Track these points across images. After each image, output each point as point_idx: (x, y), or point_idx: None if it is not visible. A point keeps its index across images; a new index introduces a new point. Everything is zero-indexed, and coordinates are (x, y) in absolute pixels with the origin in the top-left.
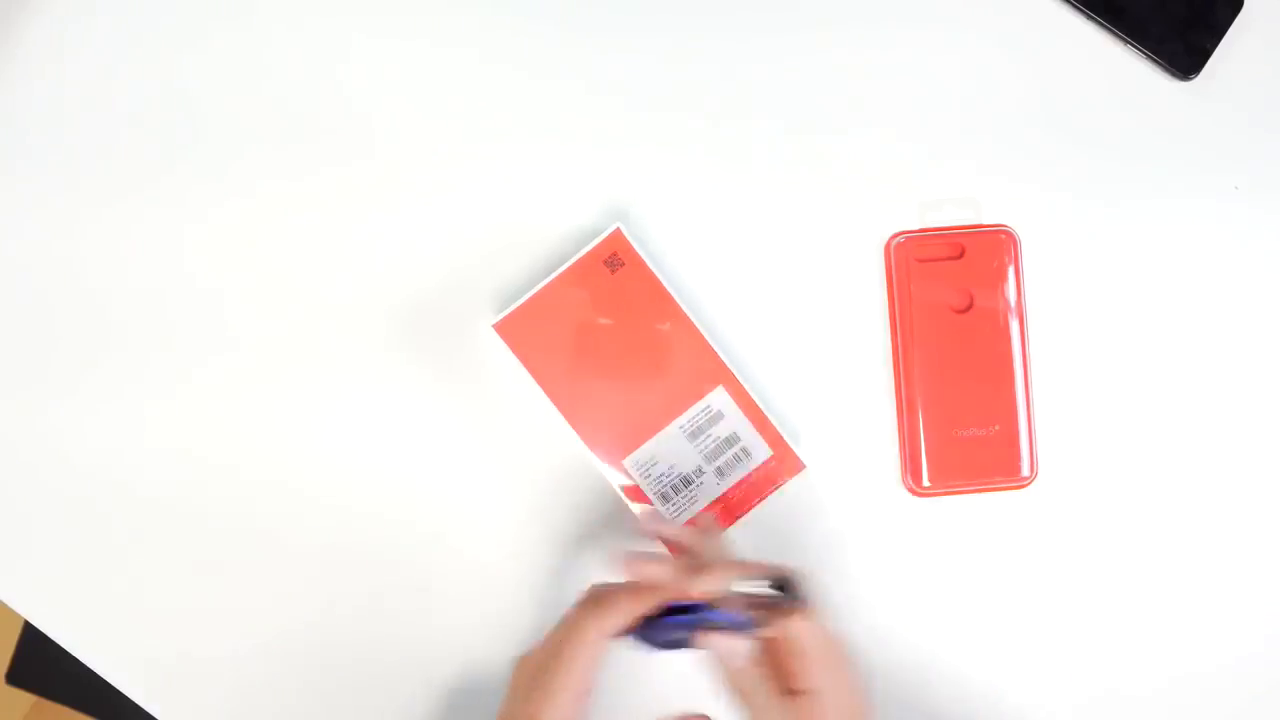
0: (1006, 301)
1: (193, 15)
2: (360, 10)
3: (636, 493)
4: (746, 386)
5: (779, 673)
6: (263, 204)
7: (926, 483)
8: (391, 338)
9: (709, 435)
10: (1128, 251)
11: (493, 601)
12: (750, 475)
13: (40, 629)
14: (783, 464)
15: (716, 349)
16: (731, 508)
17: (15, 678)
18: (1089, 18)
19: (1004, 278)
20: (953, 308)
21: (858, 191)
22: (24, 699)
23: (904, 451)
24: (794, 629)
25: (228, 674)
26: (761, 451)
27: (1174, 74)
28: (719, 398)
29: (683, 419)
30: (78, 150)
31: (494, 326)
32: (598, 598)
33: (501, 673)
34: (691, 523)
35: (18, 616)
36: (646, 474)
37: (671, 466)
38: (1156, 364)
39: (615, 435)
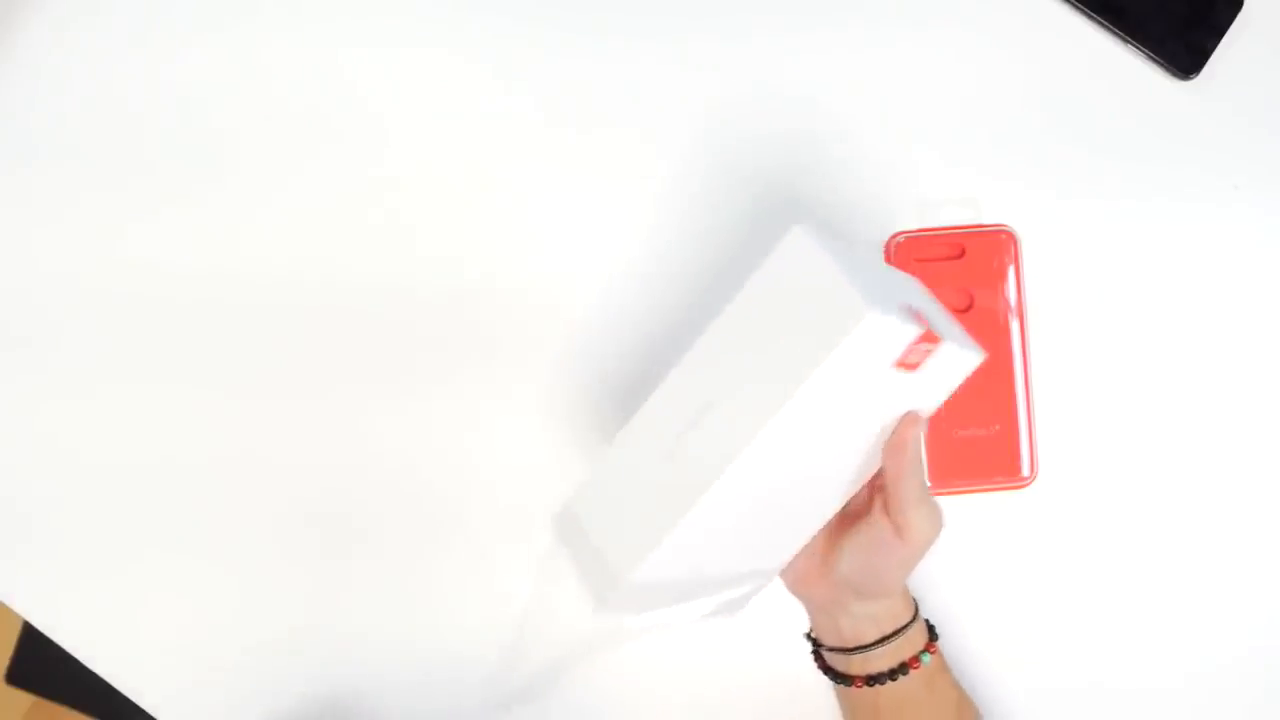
0: (1006, 301)
1: (191, 20)
2: (364, 11)
3: None
4: None
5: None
6: (269, 206)
7: (926, 483)
8: (406, 343)
9: None
10: (1128, 251)
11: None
12: None
13: (40, 629)
14: None
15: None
16: None
17: (15, 678)
18: (1089, 17)
19: (1004, 278)
20: (953, 308)
21: (858, 191)
22: (24, 699)
23: None
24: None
25: (228, 674)
26: None
27: (1174, 74)
28: None
29: None
30: (79, 149)
31: None
32: None
33: None
34: None
35: (18, 616)
36: None
37: None
38: (1156, 364)
39: None
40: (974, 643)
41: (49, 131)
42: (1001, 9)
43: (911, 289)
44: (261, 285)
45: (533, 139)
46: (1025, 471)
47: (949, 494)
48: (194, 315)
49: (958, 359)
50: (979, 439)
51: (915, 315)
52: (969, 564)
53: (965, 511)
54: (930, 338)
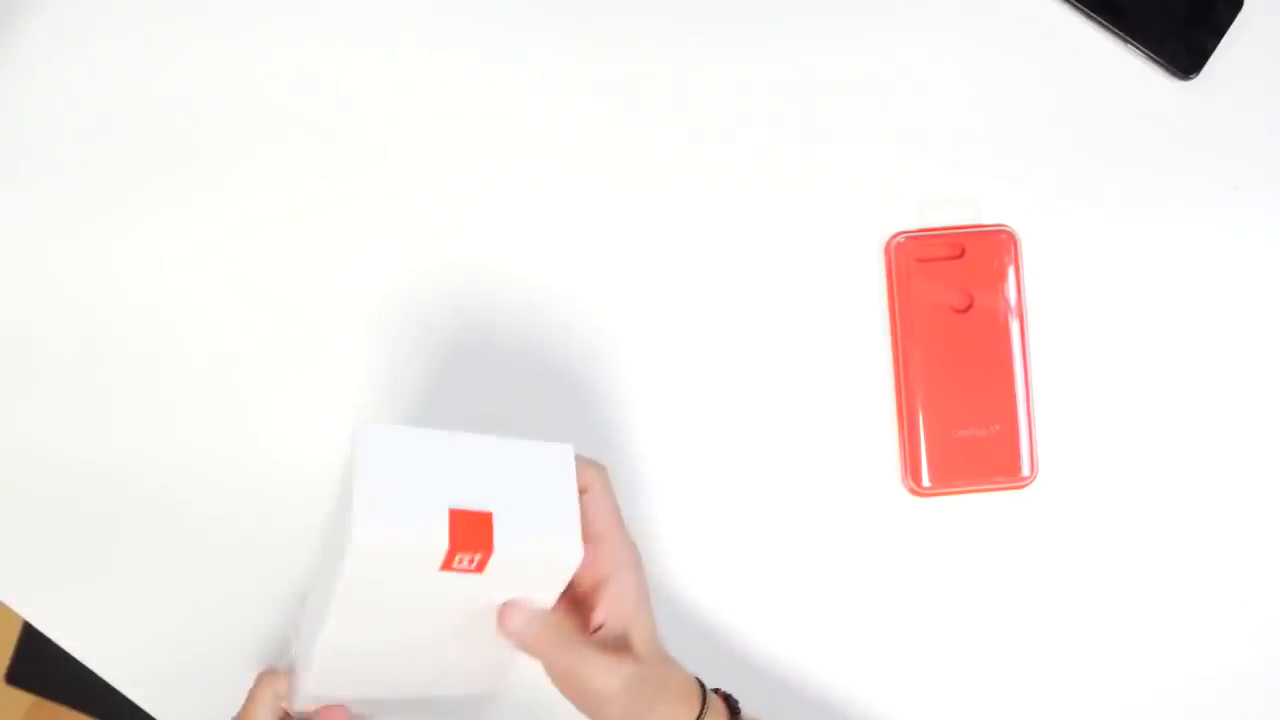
0: (1006, 301)
1: (191, 23)
2: (364, 15)
3: None
4: None
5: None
6: (261, 215)
7: (926, 483)
8: (395, 357)
9: None
10: (1128, 251)
11: None
12: None
13: (40, 629)
14: None
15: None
16: None
17: (15, 678)
18: (1089, 17)
19: (1004, 278)
20: (953, 308)
21: (858, 192)
22: (23, 699)
23: (904, 451)
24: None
25: (228, 674)
26: None
27: (1174, 74)
28: None
29: None
30: (71, 157)
31: None
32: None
33: None
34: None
35: (18, 616)
36: None
37: None
38: (1157, 364)
39: None
40: (973, 643)
41: (47, 133)
42: (1001, 9)
43: (513, 476)
44: (261, 285)
45: (534, 140)
46: (1025, 471)
47: (949, 494)
48: (194, 316)
49: (541, 559)
50: (979, 439)
51: (467, 520)
52: (969, 564)
53: (965, 511)
54: (469, 546)
